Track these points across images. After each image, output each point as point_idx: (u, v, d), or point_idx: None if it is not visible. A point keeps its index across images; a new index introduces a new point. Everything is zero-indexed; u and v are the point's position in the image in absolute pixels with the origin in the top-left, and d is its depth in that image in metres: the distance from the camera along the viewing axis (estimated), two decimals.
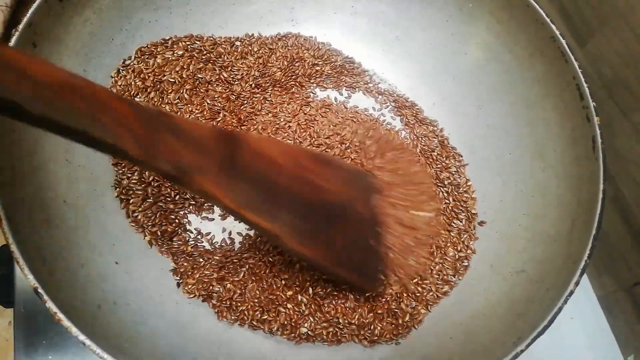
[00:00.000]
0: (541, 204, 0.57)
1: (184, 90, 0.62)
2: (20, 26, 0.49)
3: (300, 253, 0.48)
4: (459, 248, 0.60)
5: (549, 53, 0.59)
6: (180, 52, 0.65)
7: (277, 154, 0.46)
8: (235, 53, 0.67)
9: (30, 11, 0.50)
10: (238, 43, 0.68)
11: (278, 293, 0.55)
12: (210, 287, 0.55)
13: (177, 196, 0.58)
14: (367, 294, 0.55)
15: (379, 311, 0.55)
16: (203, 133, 0.42)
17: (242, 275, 0.56)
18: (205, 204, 0.59)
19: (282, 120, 0.64)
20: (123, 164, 0.58)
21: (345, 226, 0.51)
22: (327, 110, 0.67)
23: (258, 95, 0.66)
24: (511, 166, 0.62)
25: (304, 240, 0.47)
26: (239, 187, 0.42)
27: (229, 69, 0.66)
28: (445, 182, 0.64)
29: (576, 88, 0.56)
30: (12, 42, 0.49)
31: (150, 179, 0.58)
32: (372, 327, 0.55)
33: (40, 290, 0.41)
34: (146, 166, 0.39)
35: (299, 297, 0.55)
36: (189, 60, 0.64)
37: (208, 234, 0.59)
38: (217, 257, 0.57)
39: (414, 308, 0.56)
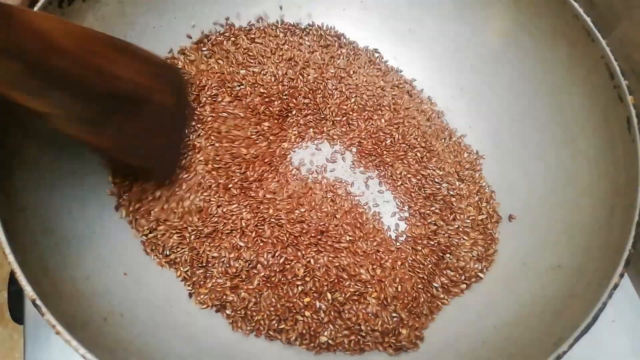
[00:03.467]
0: (574, 192, 0.53)
1: None
2: None
3: (83, 140, 0.46)
4: (481, 244, 0.56)
5: (573, 33, 0.55)
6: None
7: (59, 35, 0.43)
8: None
9: None
10: None
11: (295, 300, 0.52)
12: (224, 297, 0.52)
13: None
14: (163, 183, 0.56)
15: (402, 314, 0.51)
16: None
17: (256, 283, 0.53)
18: None
19: None
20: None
21: (140, 116, 0.50)
22: None
23: None
24: (539, 155, 0.58)
25: (87, 127, 0.45)
26: (6, 66, 0.39)
27: None
28: (464, 178, 0.61)
29: (605, 67, 0.52)
30: None
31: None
32: (396, 333, 0.51)
33: (38, 302, 0.38)
34: None
35: (317, 303, 0.52)
36: None
37: None
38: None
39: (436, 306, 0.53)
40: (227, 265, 0.53)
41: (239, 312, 0.52)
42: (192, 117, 0.59)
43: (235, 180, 0.57)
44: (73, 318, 0.42)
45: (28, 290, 0.39)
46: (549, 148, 0.58)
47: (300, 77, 0.65)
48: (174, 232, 0.54)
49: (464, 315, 0.53)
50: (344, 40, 0.69)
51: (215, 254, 0.54)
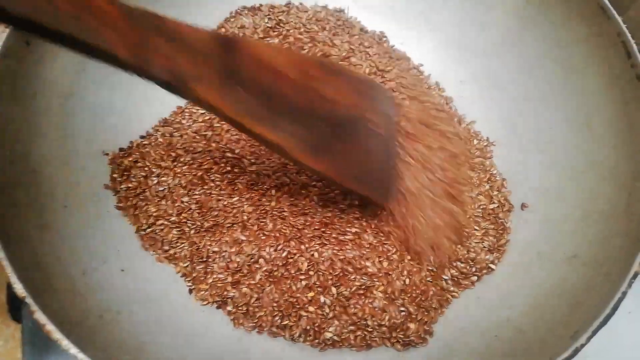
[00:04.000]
0: (591, 178, 0.51)
1: None
2: None
3: (308, 166, 0.45)
4: (492, 234, 0.54)
5: (587, 12, 0.53)
6: None
7: (281, 62, 0.43)
8: None
9: None
10: None
11: (298, 295, 0.50)
12: (225, 292, 0.50)
13: None
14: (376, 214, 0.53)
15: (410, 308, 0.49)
16: (201, 37, 0.39)
17: (258, 278, 0.51)
18: None
19: None
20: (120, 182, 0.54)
21: (356, 139, 0.48)
22: None
23: None
24: (554, 141, 0.56)
25: (311, 153, 0.44)
26: (240, 96, 0.40)
27: None
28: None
29: (622, 46, 0.50)
30: (3, 40, 0.46)
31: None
32: (404, 328, 0.49)
33: (28, 299, 0.37)
34: (140, 72, 0.36)
35: (322, 298, 0.50)
36: None
37: None
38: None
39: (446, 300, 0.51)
40: (228, 260, 0.51)
41: (240, 308, 0.50)
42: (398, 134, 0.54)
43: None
44: (66, 316, 0.40)
45: (17, 287, 0.37)
46: (565, 132, 0.55)
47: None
48: (173, 226, 0.53)
49: (475, 308, 0.50)
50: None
51: (216, 249, 0.52)
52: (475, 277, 0.52)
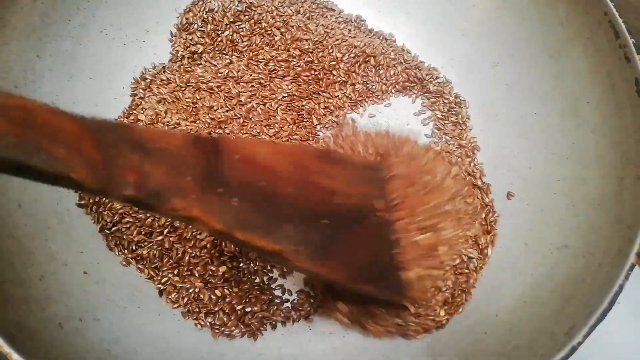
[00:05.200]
0: (579, 165, 0.49)
1: None
2: None
3: (313, 271, 0.38)
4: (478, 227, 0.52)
5: None
6: None
7: (270, 158, 0.38)
8: None
9: None
10: None
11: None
12: (197, 294, 0.47)
13: None
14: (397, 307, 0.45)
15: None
16: (174, 143, 0.34)
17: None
18: None
19: None
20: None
21: (362, 232, 0.41)
22: None
23: None
24: (539, 127, 0.54)
25: (317, 256, 0.38)
26: (226, 203, 0.34)
27: None
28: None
29: (609, 26, 0.47)
30: None
31: None
32: None
33: None
34: (105, 195, 0.31)
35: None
36: None
37: None
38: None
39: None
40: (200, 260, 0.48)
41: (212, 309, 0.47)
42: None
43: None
44: (20, 326, 0.37)
45: None
46: (550, 118, 0.53)
47: None
48: (141, 225, 0.49)
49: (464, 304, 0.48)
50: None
51: (189, 249, 0.48)
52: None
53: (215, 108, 0.55)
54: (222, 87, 0.56)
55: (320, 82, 0.58)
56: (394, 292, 0.42)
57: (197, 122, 0.54)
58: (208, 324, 0.47)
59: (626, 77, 0.45)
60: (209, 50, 0.59)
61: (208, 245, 0.48)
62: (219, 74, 0.57)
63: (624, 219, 0.41)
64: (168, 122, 0.53)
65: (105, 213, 0.49)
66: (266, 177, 0.37)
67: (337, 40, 0.59)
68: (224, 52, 0.59)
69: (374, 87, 0.59)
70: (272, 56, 0.58)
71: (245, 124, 0.54)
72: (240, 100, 0.55)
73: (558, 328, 0.37)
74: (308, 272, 0.40)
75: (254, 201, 0.36)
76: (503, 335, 0.43)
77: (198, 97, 0.55)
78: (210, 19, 0.59)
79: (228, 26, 0.59)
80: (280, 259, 0.36)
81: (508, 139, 0.55)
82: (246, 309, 0.47)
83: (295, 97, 0.57)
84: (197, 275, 0.47)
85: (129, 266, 0.48)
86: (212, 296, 0.47)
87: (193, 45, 0.59)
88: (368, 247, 0.41)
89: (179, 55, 0.59)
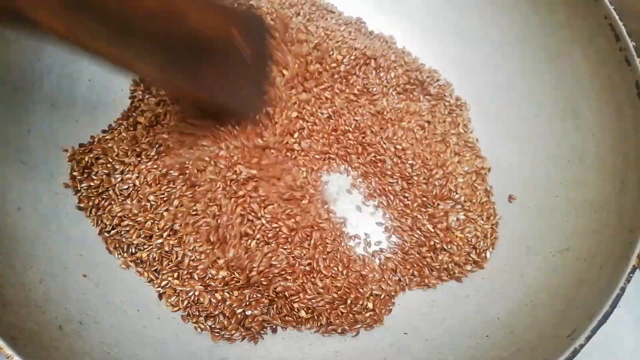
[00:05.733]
0: (579, 168, 0.49)
1: None
2: None
3: (164, 81, 0.45)
4: (478, 228, 0.52)
5: None
6: None
7: None
8: None
9: None
10: None
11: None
12: (197, 298, 0.47)
13: None
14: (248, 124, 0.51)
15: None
16: None
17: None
18: None
19: None
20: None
21: (220, 57, 0.48)
22: None
23: None
24: (539, 129, 0.54)
25: (169, 69, 0.44)
26: (87, 22, 0.37)
27: None
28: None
29: (610, 28, 0.48)
30: None
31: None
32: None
33: None
34: None
35: None
36: None
37: None
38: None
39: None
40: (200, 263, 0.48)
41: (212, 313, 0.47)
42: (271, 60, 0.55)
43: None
44: (21, 329, 0.37)
45: None
46: (550, 121, 0.53)
47: None
48: (140, 227, 0.49)
49: (463, 307, 0.48)
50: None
51: (189, 252, 0.48)
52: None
53: None
54: None
55: None
56: (247, 109, 0.51)
57: None
58: (208, 327, 0.46)
59: (626, 80, 0.46)
60: None
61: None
62: None
63: (625, 222, 0.41)
64: (167, 124, 0.53)
65: (105, 216, 0.49)
66: (128, 7, 0.40)
67: (338, 42, 0.59)
68: None
69: (374, 89, 0.59)
70: None
71: None
72: None
73: (560, 331, 0.37)
74: (159, 82, 0.47)
75: (112, 24, 0.39)
76: (505, 339, 0.43)
77: None
78: None
79: None
80: (132, 68, 0.42)
81: (509, 142, 0.56)
82: (246, 312, 0.47)
83: None
84: (197, 278, 0.47)
85: (128, 269, 0.48)
86: (212, 299, 0.47)
87: None
88: (226, 70, 0.49)
89: None
